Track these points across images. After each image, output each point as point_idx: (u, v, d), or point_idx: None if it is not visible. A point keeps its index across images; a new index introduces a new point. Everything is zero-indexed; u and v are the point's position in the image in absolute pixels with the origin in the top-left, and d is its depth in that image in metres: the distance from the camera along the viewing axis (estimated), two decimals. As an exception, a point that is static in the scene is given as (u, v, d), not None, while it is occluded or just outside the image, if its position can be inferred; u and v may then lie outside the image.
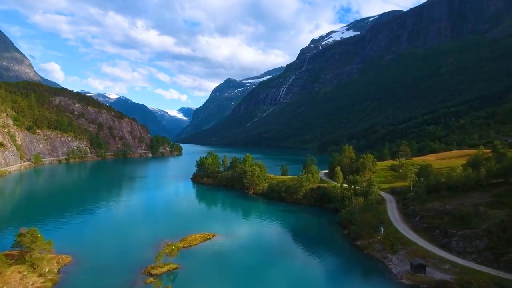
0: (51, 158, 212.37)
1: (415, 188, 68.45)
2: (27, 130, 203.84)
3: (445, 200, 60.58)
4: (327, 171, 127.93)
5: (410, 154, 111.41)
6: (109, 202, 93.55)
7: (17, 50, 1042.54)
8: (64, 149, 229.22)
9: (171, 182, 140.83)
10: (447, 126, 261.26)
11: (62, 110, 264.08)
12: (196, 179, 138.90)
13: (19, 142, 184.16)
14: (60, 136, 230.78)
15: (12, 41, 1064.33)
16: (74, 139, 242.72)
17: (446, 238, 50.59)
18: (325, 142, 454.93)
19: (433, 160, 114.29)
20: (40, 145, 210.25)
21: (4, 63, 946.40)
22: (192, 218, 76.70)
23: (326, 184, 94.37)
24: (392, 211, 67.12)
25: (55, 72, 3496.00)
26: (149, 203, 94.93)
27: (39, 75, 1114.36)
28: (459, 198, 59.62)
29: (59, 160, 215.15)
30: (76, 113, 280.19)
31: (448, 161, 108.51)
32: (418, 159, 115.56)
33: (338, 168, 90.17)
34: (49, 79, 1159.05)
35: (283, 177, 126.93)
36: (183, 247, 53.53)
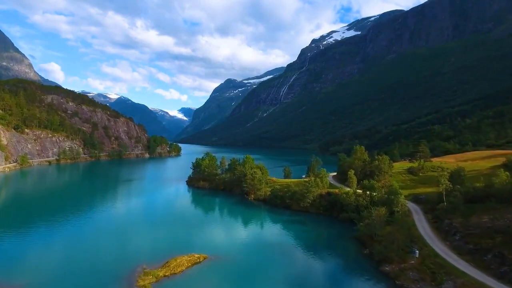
0: (40, 159, 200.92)
1: (450, 198, 56.62)
2: (14, 129, 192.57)
3: (490, 213, 49.15)
4: (335, 173, 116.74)
5: (429, 155, 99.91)
6: (85, 212, 79.78)
7: (16, 50, 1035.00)
8: (55, 150, 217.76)
9: (164, 186, 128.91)
10: (453, 126, 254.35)
11: (54, 108, 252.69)
12: (191, 183, 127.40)
13: (4, 142, 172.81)
14: (50, 136, 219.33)
15: (12, 41, 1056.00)
16: (66, 139, 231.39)
17: (504, 266, 39.16)
18: (327, 142, 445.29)
19: (454, 162, 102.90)
20: (29, 145, 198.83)
21: (4, 63, 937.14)
22: (180, 233, 64.22)
23: (337, 190, 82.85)
24: (422, 226, 55.55)
25: (55, 72, 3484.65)
26: (132, 214, 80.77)
27: (39, 75, 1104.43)
28: (508, 210, 48.21)
29: (49, 161, 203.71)
30: (69, 112, 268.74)
31: (472, 163, 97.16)
32: (436, 161, 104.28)
33: (351, 172, 78.65)
34: (50, 79, 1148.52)
35: (286, 180, 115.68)
36: (165, 275, 41.74)
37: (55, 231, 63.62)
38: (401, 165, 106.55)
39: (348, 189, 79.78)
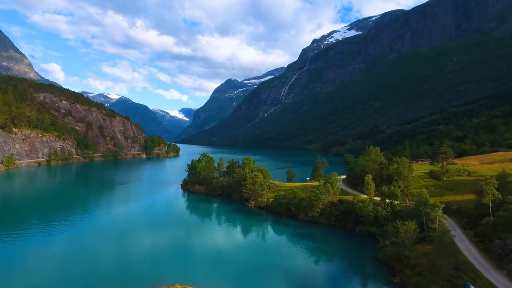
0: (29, 160, 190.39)
1: (501, 211, 45.54)
2: (1, 128, 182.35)
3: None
4: (344, 176, 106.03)
5: (453, 156, 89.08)
6: (54, 226, 67.93)
7: (16, 50, 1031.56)
8: (45, 150, 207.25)
9: (156, 190, 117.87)
10: (460, 125, 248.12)
11: (46, 107, 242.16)
12: (186, 187, 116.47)
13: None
14: (41, 135, 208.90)
15: (12, 41, 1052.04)
16: (57, 139, 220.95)
17: None
18: (329, 143, 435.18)
19: (478, 164, 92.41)
20: (17, 146, 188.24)
21: (4, 63, 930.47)
22: (164, 254, 52.66)
23: (350, 197, 72.10)
24: (465, 246, 44.71)
25: (56, 73, 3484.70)
26: (111, 227, 68.01)
27: (40, 75, 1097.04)
28: None
29: (38, 162, 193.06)
30: (62, 110, 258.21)
31: (500, 166, 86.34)
32: (458, 162, 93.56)
33: (369, 177, 67.70)
34: (50, 79, 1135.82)
35: (290, 184, 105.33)
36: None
37: (14, 249, 53.13)
38: (418, 168, 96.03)
39: (364, 196, 68.96)
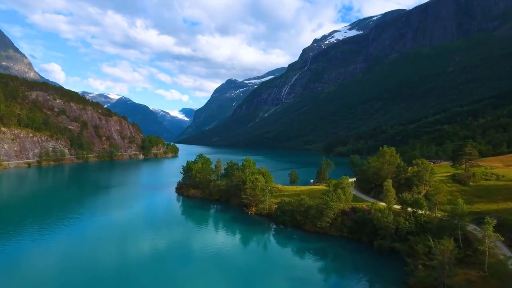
0: (18, 161, 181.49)
1: None
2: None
3: None
4: (354, 179, 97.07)
5: (478, 157, 79.95)
6: (40, 231, 59.74)
7: (16, 50, 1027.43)
8: (36, 150, 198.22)
9: (149, 195, 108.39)
10: (465, 125, 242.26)
11: (38, 106, 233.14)
12: (181, 190, 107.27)
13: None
14: (31, 135, 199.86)
15: (12, 41, 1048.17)
16: (49, 139, 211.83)
17: None
18: (331, 143, 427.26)
19: (502, 167, 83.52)
20: (5, 146, 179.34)
21: (4, 63, 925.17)
22: (154, 267, 43.54)
23: (364, 205, 63.08)
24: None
25: (56, 73, 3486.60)
26: (93, 237, 58.87)
27: (40, 75, 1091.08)
28: None
29: (29, 163, 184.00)
30: (56, 109, 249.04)
31: (528, 168, 77.67)
32: (481, 164, 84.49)
33: (389, 183, 58.27)
34: (50, 80, 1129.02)
35: (294, 187, 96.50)
36: None
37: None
38: (436, 170, 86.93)
39: (382, 204, 59.89)
